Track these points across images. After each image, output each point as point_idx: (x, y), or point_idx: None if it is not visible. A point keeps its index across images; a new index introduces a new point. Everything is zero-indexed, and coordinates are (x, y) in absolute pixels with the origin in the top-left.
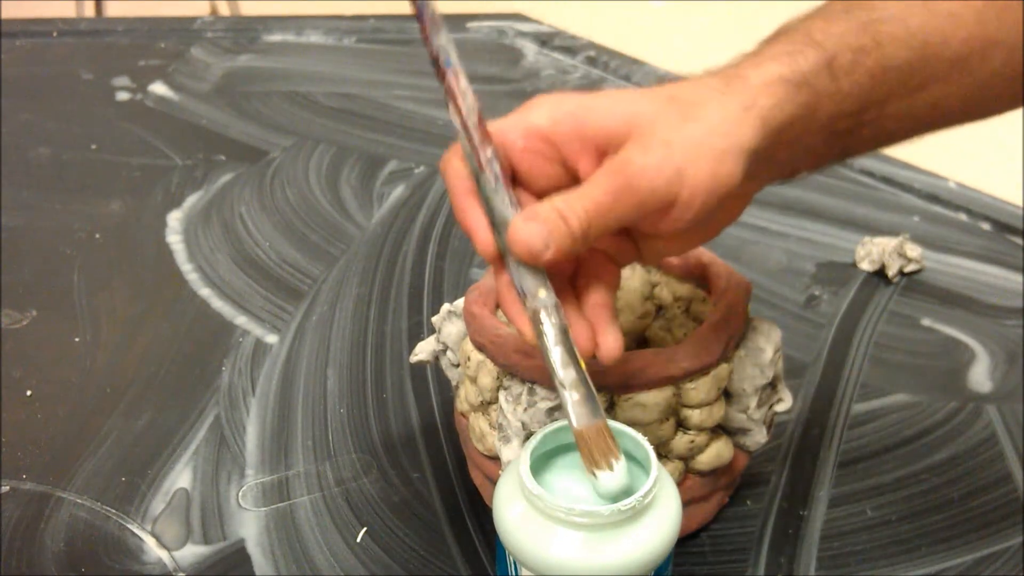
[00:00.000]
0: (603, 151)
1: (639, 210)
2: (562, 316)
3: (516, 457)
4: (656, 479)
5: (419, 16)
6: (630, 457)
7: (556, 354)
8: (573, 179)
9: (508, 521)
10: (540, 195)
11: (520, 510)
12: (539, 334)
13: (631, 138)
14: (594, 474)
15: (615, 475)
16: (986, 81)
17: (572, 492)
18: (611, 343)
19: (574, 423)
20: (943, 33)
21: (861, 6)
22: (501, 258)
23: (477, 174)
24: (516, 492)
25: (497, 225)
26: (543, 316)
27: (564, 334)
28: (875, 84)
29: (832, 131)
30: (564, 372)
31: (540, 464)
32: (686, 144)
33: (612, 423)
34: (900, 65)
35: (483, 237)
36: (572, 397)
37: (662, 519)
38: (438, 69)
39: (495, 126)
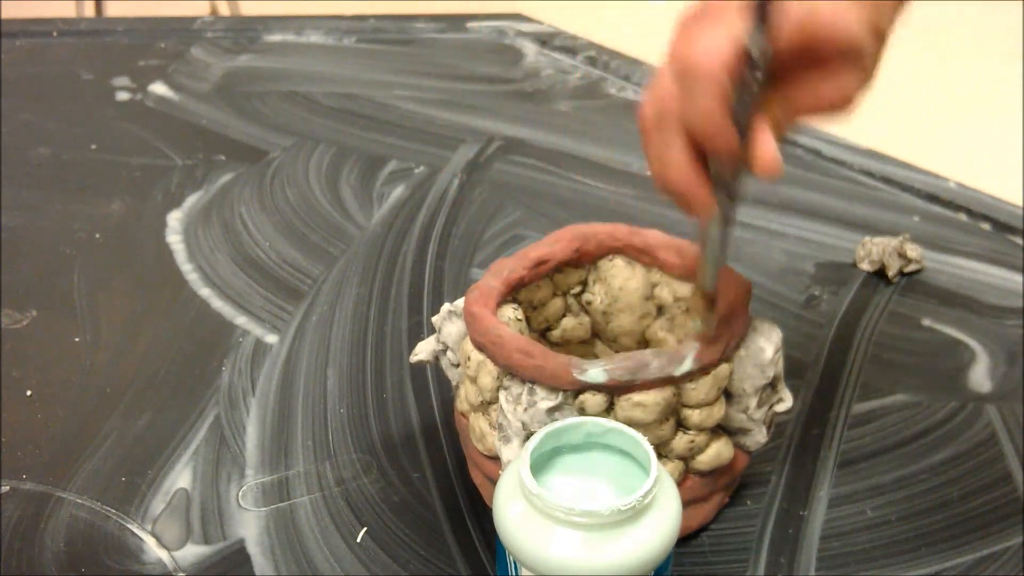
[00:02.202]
0: (825, 57)
1: (826, 118)
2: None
3: (516, 457)
4: (656, 479)
5: None
6: (630, 457)
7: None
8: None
9: (508, 521)
10: None
11: (520, 510)
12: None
13: (853, 66)
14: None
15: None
16: None
17: (572, 492)
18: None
19: (701, 280)
20: None
21: None
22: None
23: (749, 69)
24: (516, 492)
25: (743, 127)
26: (724, 200)
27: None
28: None
29: None
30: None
31: (540, 464)
32: (874, 66)
33: (612, 423)
34: None
35: (731, 136)
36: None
37: (662, 519)
38: None
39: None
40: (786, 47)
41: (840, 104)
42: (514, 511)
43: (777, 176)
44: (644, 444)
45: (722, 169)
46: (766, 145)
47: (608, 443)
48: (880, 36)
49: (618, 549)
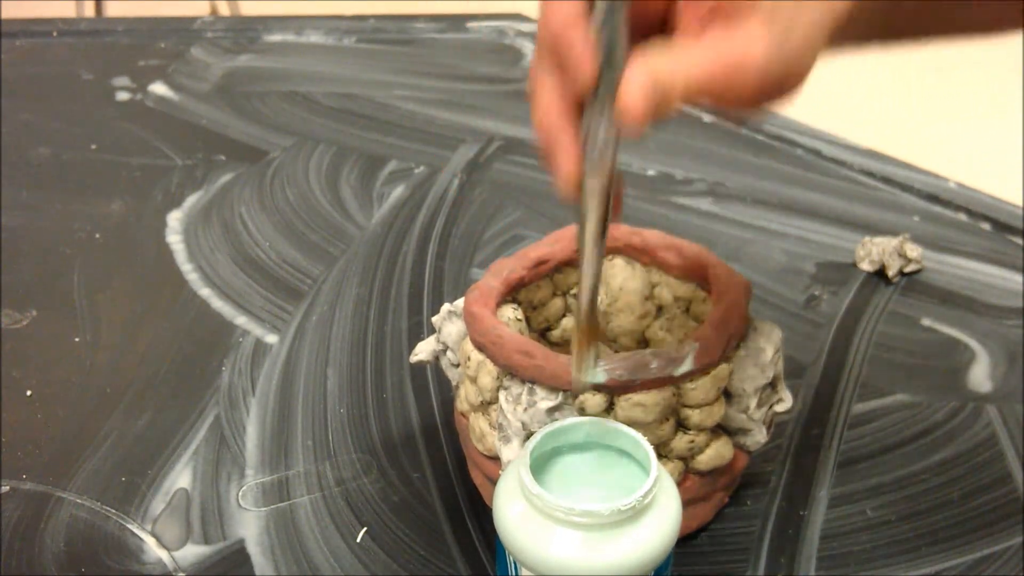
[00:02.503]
0: (710, 7)
1: (730, 93)
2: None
3: (516, 457)
4: (656, 479)
5: None
6: (630, 457)
7: (592, 206)
8: (660, 22)
9: (508, 521)
10: None
11: (520, 510)
12: (586, 209)
13: (754, 16)
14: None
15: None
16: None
17: (572, 492)
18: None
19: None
20: None
21: None
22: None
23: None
24: (516, 492)
25: (609, 66)
26: (594, 192)
27: (606, 223)
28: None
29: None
30: (584, 229)
31: (540, 464)
32: (799, 37)
33: (612, 423)
34: None
35: (587, 62)
36: (583, 267)
37: (662, 519)
38: None
39: None
40: None
41: (743, 65)
42: (514, 511)
43: (635, 125)
44: (644, 444)
45: (589, 108)
46: (631, 84)
47: (608, 443)
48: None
49: (618, 549)
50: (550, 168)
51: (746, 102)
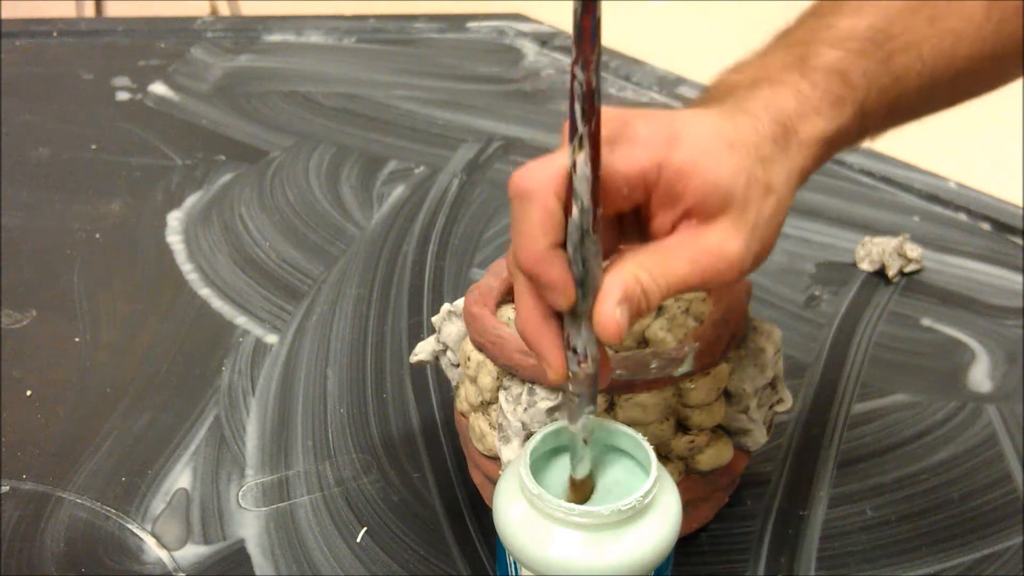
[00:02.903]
0: (690, 213)
1: (710, 286)
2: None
3: (516, 457)
4: (656, 479)
5: (587, 33)
6: (630, 457)
7: (582, 409)
8: (633, 211)
9: (508, 521)
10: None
11: (520, 510)
12: (577, 392)
13: (725, 212)
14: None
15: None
16: (986, 86)
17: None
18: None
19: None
20: (949, 55)
21: (881, 29)
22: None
23: (583, 230)
24: (516, 492)
25: (585, 285)
26: (573, 361)
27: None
28: (890, 116)
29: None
30: (575, 408)
31: (540, 464)
32: (765, 221)
33: (612, 423)
34: (912, 95)
35: (568, 288)
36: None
37: (662, 519)
38: (589, 104)
39: (609, 164)
40: (631, 181)
41: (722, 266)
42: (514, 511)
43: (612, 340)
44: (644, 444)
45: (568, 321)
46: (606, 303)
47: (608, 443)
48: (766, 189)
49: (618, 549)
50: (538, 360)
51: (732, 284)
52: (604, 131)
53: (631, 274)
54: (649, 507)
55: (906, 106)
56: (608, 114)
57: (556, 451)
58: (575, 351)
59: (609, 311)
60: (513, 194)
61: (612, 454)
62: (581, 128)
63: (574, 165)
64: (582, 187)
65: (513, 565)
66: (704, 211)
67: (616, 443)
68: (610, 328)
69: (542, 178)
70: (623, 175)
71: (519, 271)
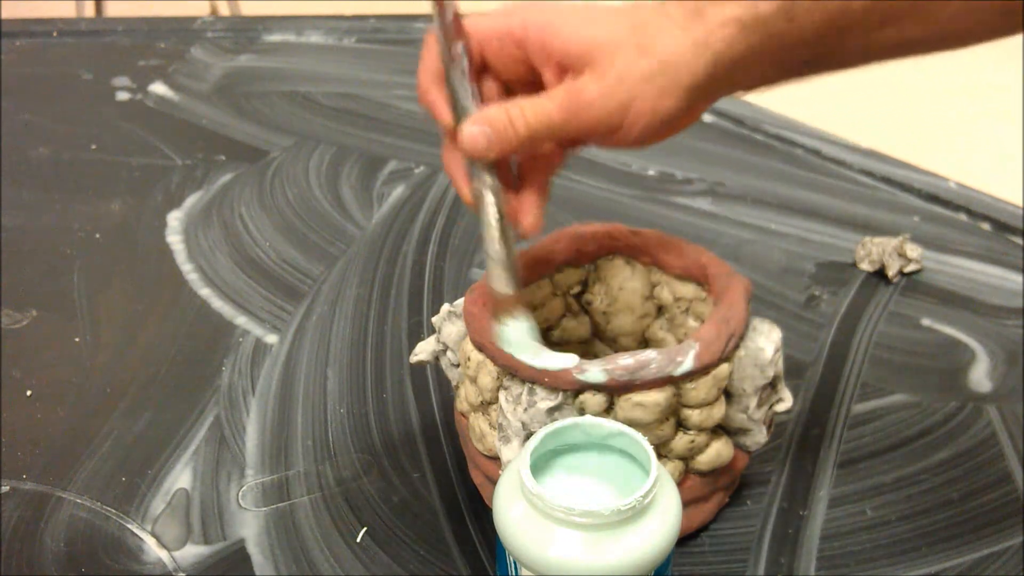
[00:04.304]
0: (565, 67)
1: (584, 132)
2: (500, 199)
3: (516, 457)
4: (656, 479)
5: None
6: (630, 457)
7: (491, 231)
8: (537, 78)
9: (508, 521)
10: (508, 85)
11: (520, 510)
12: (480, 210)
13: (590, 65)
14: (499, 322)
15: (514, 326)
16: (949, 19)
17: (572, 492)
18: (530, 220)
19: (493, 288)
20: None
21: None
22: (455, 134)
23: (447, 64)
24: (516, 492)
25: (457, 112)
26: (485, 197)
27: (500, 215)
28: (832, 25)
29: (786, 63)
30: (493, 248)
31: (540, 464)
32: (636, 78)
33: (612, 423)
34: (858, 7)
35: (444, 115)
36: (495, 269)
37: (662, 519)
38: None
39: (473, 23)
40: (507, 38)
41: (579, 103)
42: (514, 511)
43: (475, 156)
44: (644, 444)
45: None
46: (465, 130)
47: (608, 443)
48: (643, 50)
49: (618, 549)
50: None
51: (593, 138)
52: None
53: (499, 107)
54: (649, 507)
55: (855, 20)
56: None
57: (556, 451)
58: (469, 171)
59: (467, 128)
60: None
61: (612, 454)
62: None
63: (440, 17)
64: (441, 33)
65: (513, 565)
66: (573, 64)
67: (616, 443)
68: (465, 141)
69: (429, 33)
70: (493, 29)
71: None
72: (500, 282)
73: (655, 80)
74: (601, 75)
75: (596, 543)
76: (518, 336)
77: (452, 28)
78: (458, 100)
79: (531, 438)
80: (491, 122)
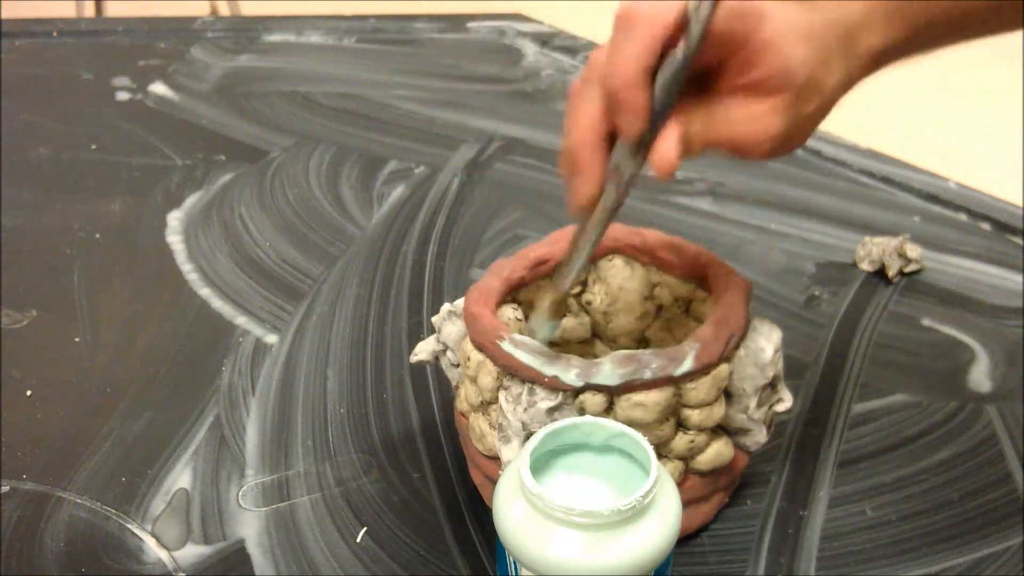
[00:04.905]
0: (749, 79)
1: (738, 153)
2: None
3: (516, 457)
4: (656, 479)
5: None
6: (630, 457)
7: (597, 224)
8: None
9: (508, 521)
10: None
11: (520, 510)
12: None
13: (780, 98)
14: (544, 315)
15: (547, 328)
16: None
17: (572, 492)
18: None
19: (559, 281)
20: None
21: None
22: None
23: (682, 66)
24: (516, 492)
25: (659, 116)
26: (613, 187)
27: (616, 207)
28: (954, 31)
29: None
30: (586, 240)
31: (540, 464)
32: (805, 118)
33: (612, 423)
34: (979, 12)
35: (640, 119)
36: (576, 262)
37: (662, 519)
38: None
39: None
40: (719, 40)
41: (758, 138)
42: (514, 511)
43: (666, 177)
44: (644, 444)
45: (622, 154)
46: (669, 141)
47: (608, 443)
48: (818, 87)
49: (618, 549)
50: (572, 184)
51: (757, 159)
52: None
53: (690, 122)
54: (649, 507)
55: (974, 20)
56: None
57: (556, 451)
58: (615, 178)
59: (671, 143)
60: (621, 16)
61: (612, 454)
62: None
63: (699, 10)
64: (697, 28)
65: (513, 565)
66: (765, 87)
67: (616, 443)
68: (667, 159)
69: (653, 10)
70: (716, 32)
71: (599, 90)
72: (567, 279)
73: (815, 118)
74: (785, 110)
75: (596, 543)
76: (546, 334)
77: (707, 27)
78: (670, 104)
79: (531, 438)
80: (683, 140)
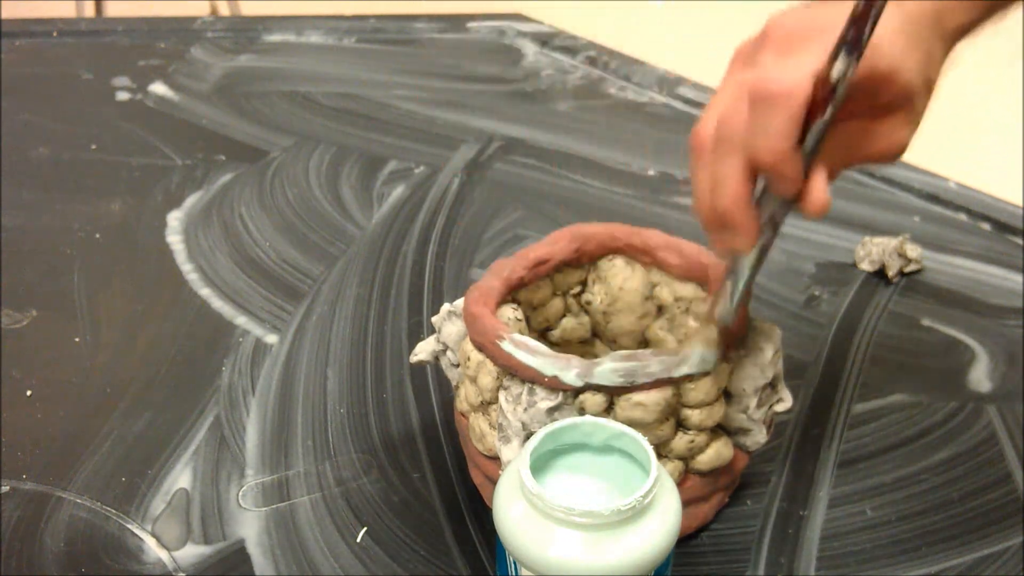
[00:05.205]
0: (872, 105)
1: (871, 164)
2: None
3: (516, 457)
4: (656, 479)
5: None
6: (630, 457)
7: (754, 262)
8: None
9: (508, 521)
10: None
11: (520, 510)
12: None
13: (903, 111)
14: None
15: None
16: None
17: (572, 492)
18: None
19: (721, 314)
20: None
21: None
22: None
23: (827, 125)
24: (516, 492)
25: (806, 154)
26: (767, 232)
27: (768, 247)
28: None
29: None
30: (746, 276)
31: (540, 464)
32: (922, 115)
33: (612, 423)
34: None
35: (797, 166)
36: (736, 298)
37: (662, 519)
38: (875, 21)
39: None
40: (853, 86)
41: (893, 152)
42: (514, 511)
43: (822, 214)
44: (644, 444)
45: (772, 202)
46: (821, 185)
47: (608, 443)
48: (929, 86)
49: (618, 549)
50: (726, 238)
51: (890, 163)
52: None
53: (834, 155)
54: (649, 507)
55: None
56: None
57: (556, 451)
58: (771, 223)
59: (821, 187)
60: (757, 92)
61: (612, 454)
62: (866, 39)
63: (845, 72)
64: (842, 89)
65: (513, 565)
66: (888, 107)
67: (616, 443)
68: (821, 203)
69: (793, 84)
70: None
71: (742, 155)
72: (730, 314)
73: (927, 109)
74: (910, 118)
75: (596, 543)
76: (698, 361)
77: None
78: (810, 150)
79: (531, 438)
80: (833, 177)
